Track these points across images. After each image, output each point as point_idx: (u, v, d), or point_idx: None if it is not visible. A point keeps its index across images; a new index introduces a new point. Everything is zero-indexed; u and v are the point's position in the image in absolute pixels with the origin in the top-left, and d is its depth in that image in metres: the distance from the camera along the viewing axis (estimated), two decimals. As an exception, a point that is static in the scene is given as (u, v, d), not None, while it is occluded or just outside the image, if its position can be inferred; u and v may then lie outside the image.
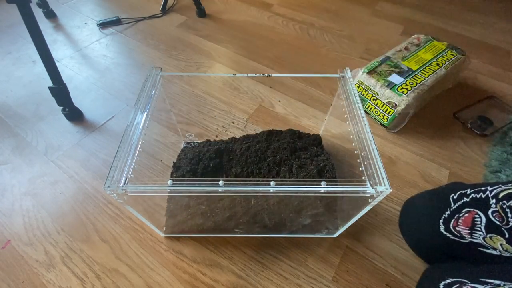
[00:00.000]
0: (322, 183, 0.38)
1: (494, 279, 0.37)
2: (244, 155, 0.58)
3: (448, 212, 0.45)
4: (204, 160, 0.57)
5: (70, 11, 1.13)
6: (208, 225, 0.54)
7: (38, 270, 0.52)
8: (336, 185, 0.38)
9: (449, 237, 0.44)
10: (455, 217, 0.44)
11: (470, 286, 0.37)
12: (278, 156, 0.56)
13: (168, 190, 0.40)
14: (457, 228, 0.43)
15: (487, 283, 0.37)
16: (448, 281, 0.41)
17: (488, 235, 0.40)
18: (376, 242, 0.55)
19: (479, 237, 0.41)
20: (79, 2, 1.18)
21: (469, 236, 0.42)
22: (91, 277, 0.51)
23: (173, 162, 0.61)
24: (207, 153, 0.59)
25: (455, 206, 0.44)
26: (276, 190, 0.39)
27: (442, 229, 0.45)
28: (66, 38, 1.01)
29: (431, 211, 0.48)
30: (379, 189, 0.37)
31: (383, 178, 0.38)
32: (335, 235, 0.55)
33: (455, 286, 0.39)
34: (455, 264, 0.45)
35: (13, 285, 0.50)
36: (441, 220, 0.45)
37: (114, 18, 1.07)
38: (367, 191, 0.38)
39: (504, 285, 0.35)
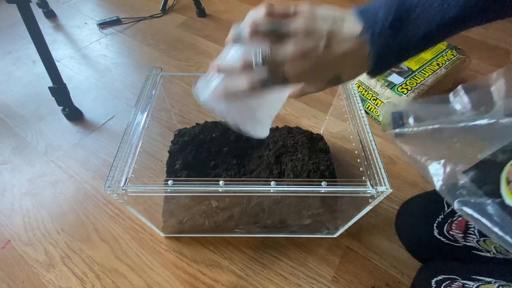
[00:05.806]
0: (323, 183, 0.38)
1: (485, 277, 0.37)
2: (245, 155, 0.58)
3: (442, 216, 0.45)
4: (200, 157, 0.57)
5: (70, 11, 1.13)
6: (208, 225, 0.54)
7: (38, 270, 0.52)
8: (336, 185, 0.38)
9: (443, 241, 0.44)
10: (449, 221, 0.43)
11: (461, 283, 0.38)
12: (278, 157, 0.56)
13: (168, 190, 0.40)
14: (451, 232, 0.43)
15: (478, 280, 0.37)
16: (439, 277, 0.41)
17: (481, 239, 0.40)
18: (376, 242, 0.55)
19: (472, 240, 0.41)
20: (79, 2, 1.18)
21: (463, 240, 0.42)
22: (91, 277, 0.51)
23: (167, 151, 0.60)
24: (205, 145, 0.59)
25: (448, 210, 0.44)
26: (276, 190, 0.39)
27: (436, 233, 0.45)
28: (66, 38, 1.01)
29: (425, 215, 0.48)
30: (379, 189, 0.37)
31: (383, 178, 0.38)
32: (335, 235, 0.55)
33: (446, 282, 0.39)
34: (448, 262, 0.45)
35: (13, 285, 0.50)
36: (435, 224, 0.45)
37: (114, 18, 1.07)
38: (368, 191, 0.38)
39: (495, 282, 0.35)
